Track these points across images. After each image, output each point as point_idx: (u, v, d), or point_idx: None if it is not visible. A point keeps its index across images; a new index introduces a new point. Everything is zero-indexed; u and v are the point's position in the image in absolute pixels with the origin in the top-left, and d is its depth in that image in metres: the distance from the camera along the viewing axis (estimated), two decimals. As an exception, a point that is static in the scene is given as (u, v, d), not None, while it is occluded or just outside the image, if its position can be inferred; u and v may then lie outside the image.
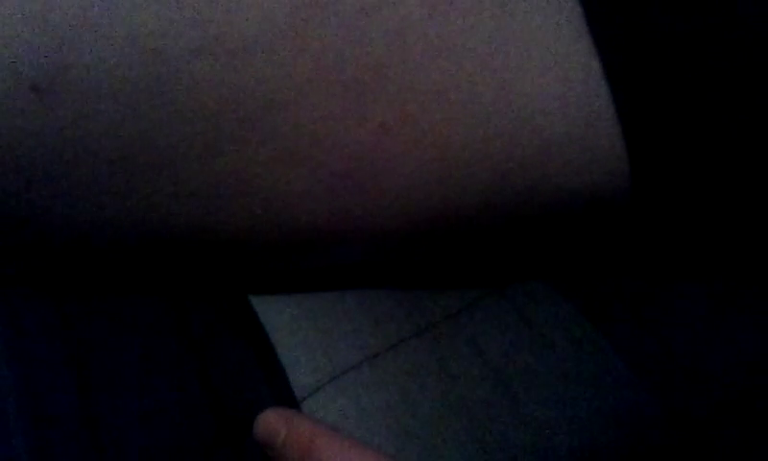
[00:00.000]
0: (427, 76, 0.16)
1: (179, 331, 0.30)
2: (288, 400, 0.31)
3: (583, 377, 0.34)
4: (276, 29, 0.15)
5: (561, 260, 0.23)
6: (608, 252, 0.23)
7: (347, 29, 0.15)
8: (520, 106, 0.17)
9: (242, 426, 0.29)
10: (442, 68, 0.16)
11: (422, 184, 0.17)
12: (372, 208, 0.17)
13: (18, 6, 0.14)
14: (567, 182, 0.18)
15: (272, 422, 0.28)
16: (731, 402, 0.31)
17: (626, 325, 0.35)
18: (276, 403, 0.29)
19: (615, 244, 0.22)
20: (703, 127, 0.18)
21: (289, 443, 0.28)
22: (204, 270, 0.20)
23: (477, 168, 0.17)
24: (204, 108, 0.15)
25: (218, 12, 0.15)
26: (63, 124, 0.14)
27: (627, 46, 0.17)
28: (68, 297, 0.33)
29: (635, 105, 0.17)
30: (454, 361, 0.34)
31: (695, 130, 0.18)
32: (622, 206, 0.19)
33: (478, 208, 0.18)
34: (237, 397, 0.30)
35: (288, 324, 0.33)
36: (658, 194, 0.19)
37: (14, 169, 0.15)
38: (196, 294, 0.33)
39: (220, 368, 0.30)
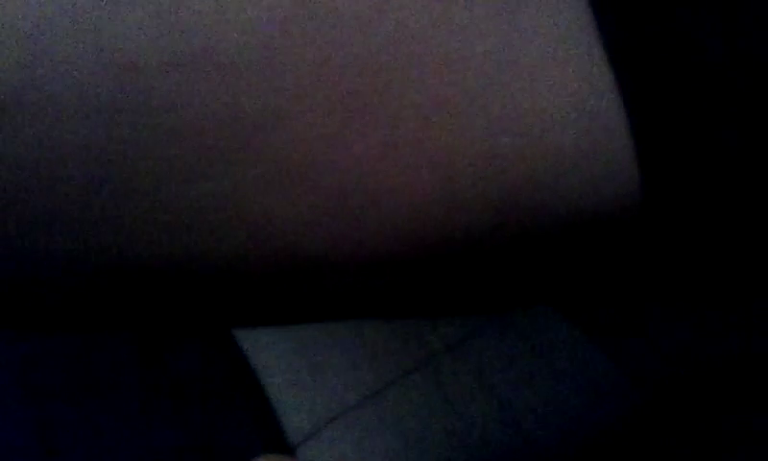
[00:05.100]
0: (430, 89, 0.16)
1: (154, 372, 0.29)
2: (281, 445, 0.29)
3: (600, 414, 0.32)
4: (268, 40, 0.14)
5: (566, 282, 0.23)
6: (614, 271, 0.22)
7: (343, 39, 0.15)
8: (530, 120, 0.16)
9: (230, 477, 0.27)
10: (445, 81, 0.16)
11: (428, 205, 0.17)
12: (373, 233, 0.17)
13: None
14: (580, 199, 0.18)
15: (264, 471, 0.27)
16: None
17: (638, 349, 0.34)
18: (267, 450, 0.28)
19: (622, 263, 0.21)
20: (719, 142, 0.17)
21: (284, 495, 0.27)
22: (185, 303, 0.19)
23: (485, 187, 0.17)
24: (188, 126, 0.14)
25: (202, 23, 0.14)
26: (30, 146, 0.14)
27: (640, 58, 0.17)
28: (27, 336, 0.31)
29: (648, 118, 0.17)
30: (459, 396, 0.32)
31: (710, 145, 0.17)
32: (631, 224, 0.19)
33: (486, 230, 0.17)
34: (225, 444, 0.29)
35: (278, 360, 0.32)
36: (669, 210, 0.18)
37: None
38: (175, 330, 0.31)
39: (203, 412, 0.29)
